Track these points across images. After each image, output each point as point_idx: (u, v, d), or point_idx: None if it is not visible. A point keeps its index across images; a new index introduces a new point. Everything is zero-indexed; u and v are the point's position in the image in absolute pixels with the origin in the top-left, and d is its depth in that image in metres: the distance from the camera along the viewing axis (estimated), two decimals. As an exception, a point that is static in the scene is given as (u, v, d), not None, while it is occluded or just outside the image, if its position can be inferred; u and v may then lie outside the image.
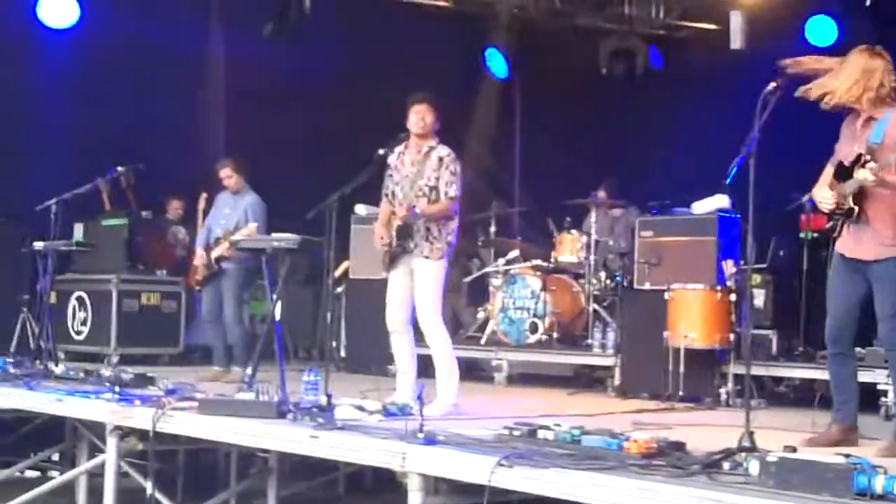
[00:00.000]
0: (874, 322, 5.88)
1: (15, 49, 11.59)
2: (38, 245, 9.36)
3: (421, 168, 7.20)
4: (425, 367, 7.38)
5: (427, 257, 7.14)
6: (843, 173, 5.82)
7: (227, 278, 9.79)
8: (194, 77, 12.15)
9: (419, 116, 7.20)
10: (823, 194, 5.91)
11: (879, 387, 7.57)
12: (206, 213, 10.41)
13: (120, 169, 10.63)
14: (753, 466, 4.48)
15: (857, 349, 7.71)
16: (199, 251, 10.00)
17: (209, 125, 12.20)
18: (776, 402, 8.32)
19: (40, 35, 11.86)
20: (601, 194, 10.97)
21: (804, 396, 8.23)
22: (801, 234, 9.43)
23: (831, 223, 5.96)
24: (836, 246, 5.98)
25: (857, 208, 5.77)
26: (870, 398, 7.21)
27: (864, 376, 7.24)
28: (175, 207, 12.27)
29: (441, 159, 7.19)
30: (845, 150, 5.87)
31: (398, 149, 7.34)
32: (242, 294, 9.98)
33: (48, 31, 11.87)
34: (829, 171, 5.97)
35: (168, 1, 11.64)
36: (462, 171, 7.25)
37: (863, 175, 5.64)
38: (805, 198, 6.00)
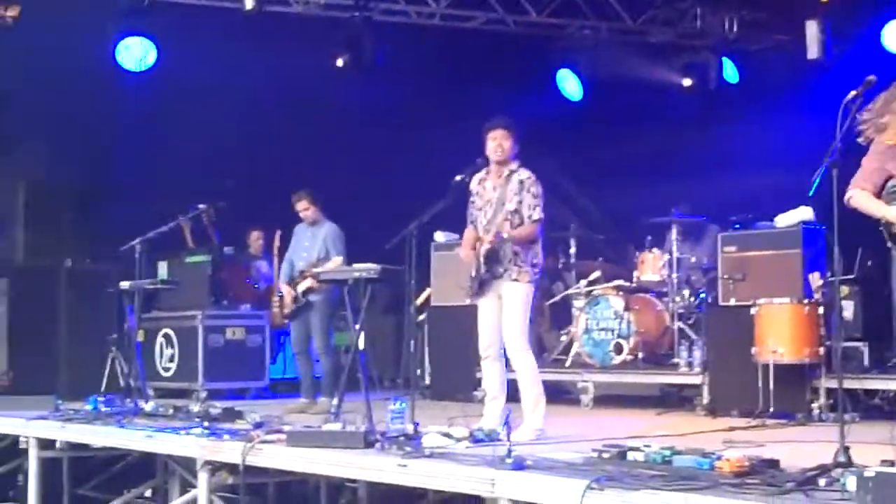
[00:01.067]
0: None
1: (95, 92, 11.83)
2: (124, 285, 9.50)
3: (503, 192, 7.19)
4: (512, 392, 7.34)
5: (516, 280, 7.11)
6: None
7: (313, 311, 9.86)
8: (268, 113, 12.28)
9: (496, 143, 7.20)
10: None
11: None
12: (282, 248, 10.50)
13: (201, 206, 10.80)
14: (851, 482, 4.39)
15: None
16: (284, 286, 10.09)
17: (285, 159, 12.31)
18: (871, 416, 8.14)
19: (119, 78, 12.09)
20: (683, 210, 10.87)
21: (900, 409, 8.06)
22: (889, 244, 9.23)
23: None
24: None
25: None
26: None
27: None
28: (255, 240, 12.39)
29: (522, 182, 7.17)
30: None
31: (479, 175, 7.33)
32: (329, 325, 10.04)
33: (127, 73, 12.08)
34: (867, 195, 5.84)
35: (240, 40, 11.78)
36: (543, 192, 7.21)
37: None
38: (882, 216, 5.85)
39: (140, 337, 9.97)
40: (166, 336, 11.58)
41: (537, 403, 7.09)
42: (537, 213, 7.15)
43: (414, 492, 6.26)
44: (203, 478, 6.99)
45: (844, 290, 9.21)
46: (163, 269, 11.69)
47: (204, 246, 11.90)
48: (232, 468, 6.79)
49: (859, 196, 5.89)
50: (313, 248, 9.90)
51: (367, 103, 12.66)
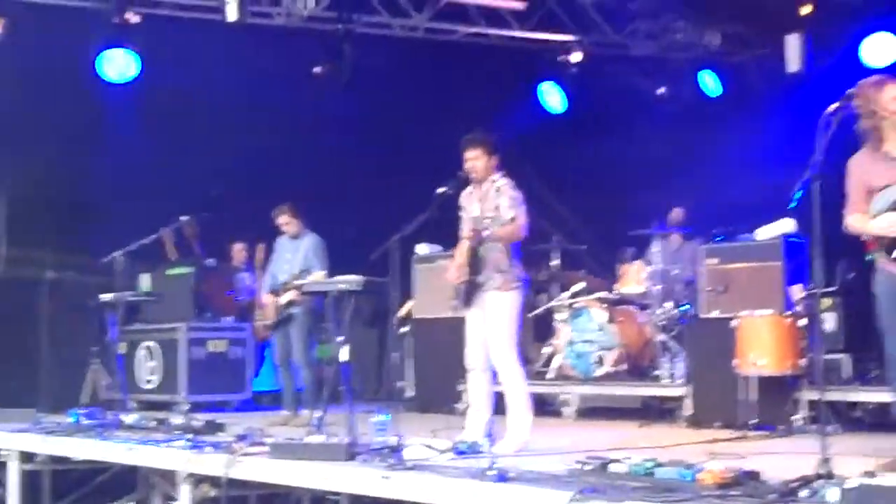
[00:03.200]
0: None
1: (77, 105, 11.80)
2: (106, 297, 9.48)
3: (485, 202, 7.20)
4: (495, 405, 7.33)
5: (498, 289, 7.09)
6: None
7: (294, 323, 9.85)
8: (252, 125, 12.27)
9: (470, 164, 7.19)
10: (889, 220, 5.79)
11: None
12: (264, 261, 10.50)
13: (183, 218, 10.79)
14: (832, 494, 4.41)
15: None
16: (267, 297, 10.07)
17: (268, 171, 12.30)
18: (852, 428, 8.18)
19: (101, 90, 12.06)
20: (675, 214, 10.91)
21: (880, 421, 8.07)
22: (869, 256, 9.28)
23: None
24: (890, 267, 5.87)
25: None
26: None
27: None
28: (238, 252, 12.37)
29: (499, 189, 7.17)
30: (878, 176, 5.81)
31: (468, 189, 7.33)
32: (310, 337, 10.02)
33: (109, 85, 12.06)
34: (861, 218, 5.89)
35: (223, 53, 11.77)
36: (525, 199, 7.20)
37: None
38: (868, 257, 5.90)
39: (122, 349, 9.96)
40: (148, 348, 11.54)
41: (524, 416, 7.08)
42: (513, 213, 7.10)
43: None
44: (185, 490, 6.98)
45: (826, 302, 9.25)
46: (145, 281, 11.66)
47: (186, 258, 11.88)
48: (214, 481, 6.78)
49: (854, 220, 5.96)
50: (295, 261, 9.89)
51: (351, 116, 12.67)
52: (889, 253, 5.83)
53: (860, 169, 5.92)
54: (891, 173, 5.81)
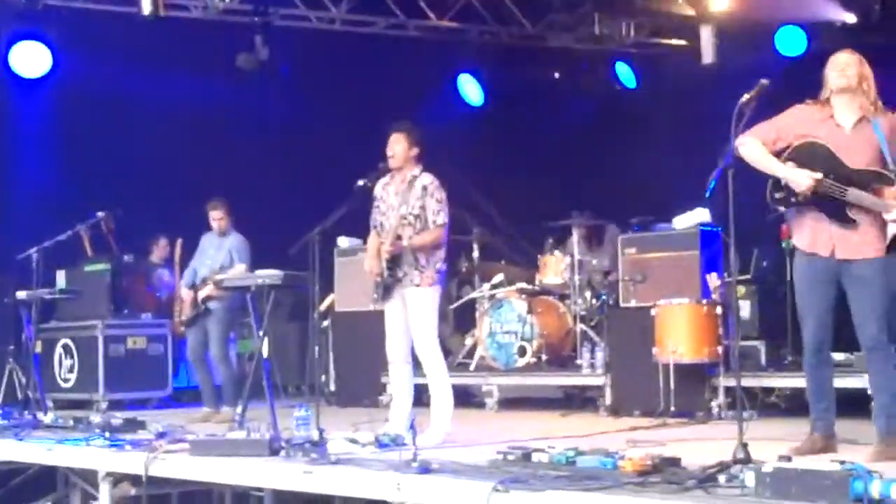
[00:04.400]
0: (850, 326, 5.90)
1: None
2: (21, 294, 9.32)
3: (405, 197, 7.18)
4: (417, 397, 7.35)
5: (418, 285, 7.11)
6: (824, 159, 5.84)
7: (212, 318, 9.77)
8: (167, 121, 12.12)
9: (390, 150, 7.19)
10: (798, 176, 5.83)
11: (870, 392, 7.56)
12: (183, 257, 10.40)
13: (100, 214, 10.63)
14: (749, 478, 4.49)
15: (846, 355, 7.78)
16: (185, 291, 9.98)
17: (186, 166, 12.18)
18: (768, 413, 8.31)
19: (13, 84, 11.85)
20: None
21: (795, 406, 8.22)
22: (783, 244, 9.45)
23: (796, 199, 5.88)
24: (805, 245, 5.96)
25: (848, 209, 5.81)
26: (860, 404, 7.21)
27: (855, 382, 7.28)
28: (163, 248, 12.22)
29: (425, 188, 7.17)
30: (809, 130, 5.90)
31: (384, 180, 7.33)
32: (228, 333, 9.95)
33: (21, 80, 11.85)
34: (758, 144, 5.90)
35: (137, 48, 11.63)
36: (447, 197, 7.23)
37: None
38: (784, 244, 5.93)
39: (38, 348, 9.79)
40: (65, 346, 11.37)
41: (445, 407, 7.11)
42: (441, 218, 7.16)
43: (320, 498, 6.25)
44: (105, 489, 6.89)
45: (741, 290, 9.39)
46: (61, 278, 11.48)
47: (103, 254, 11.72)
48: (134, 479, 6.70)
49: (754, 146, 5.92)
50: (217, 257, 9.81)
51: (269, 110, 12.60)
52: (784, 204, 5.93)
53: (802, 118, 5.98)
54: (830, 136, 5.89)
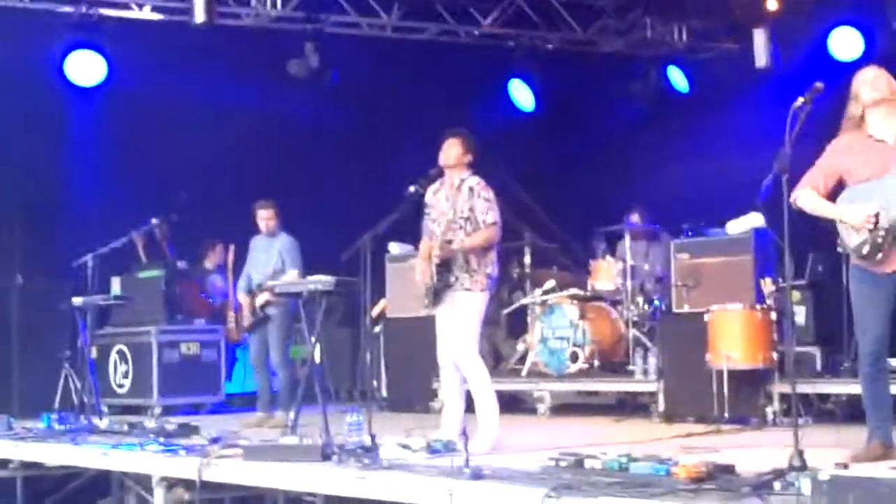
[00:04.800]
0: None
1: (45, 108, 11.74)
2: (77, 301, 9.42)
3: (454, 201, 7.19)
4: (469, 403, 7.33)
5: (468, 290, 7.09)
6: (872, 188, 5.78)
7: (271, 324, 9.83)
8: (222, 127, 12.22)
9: (444, 154, 7.21)
10: (865, 211, 5.77)
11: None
12: (236, 262, 10.47)
13: (154, 221, 10.74)
14: (805, 485, 4.43)
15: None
16: (243, 297, 10.05)
17: (239, 172, 12.27)
18: (823, 420, 8.23)
19: (69, 93, 11.99)
20: (635, 218, 10.93)
21: (851, 413, 8.12)
22: (840, 248, 9.35)
23: (863, 239, 5.84)
24: (864, 263, 5.90)
25: None
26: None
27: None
28: (216, 254, 12.30)
29: (472, 189, 7.16)
30: (859, 165, 5.83)
31: (434, 186, 7.32)
32: (287, 338, 9.99)
33: (76, 89, 11.98)
34: (814, 194, 5.88)
35: (189, 56, 11.72)
36: (496, 199, 7.22)
37: None
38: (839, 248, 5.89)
39: (93, 353, 9.88)
40: (120, 352, 11.48)
41: (491, 412, 7.08)
42: (491, 217, 7.12)
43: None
44: (159, 494, 6.94)
45: (796, 295, 9.30)
46: (116, 284, 11.59)
47: (157, 261, 11.83)
48: (188, 484, 6.75)
49: (807, 195, 5.92)
50: (269, 261, 9.87)
51: (321, 116, 12.65)
52: (858, 250, 5.85)
53: (841, 149, 5.93)
54: (875, 155, 5.82)
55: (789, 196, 5.50)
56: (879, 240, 5.76)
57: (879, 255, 5.77)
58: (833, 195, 5.93)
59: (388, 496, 5.81)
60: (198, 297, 12.01)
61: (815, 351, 9.13)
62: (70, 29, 11.81)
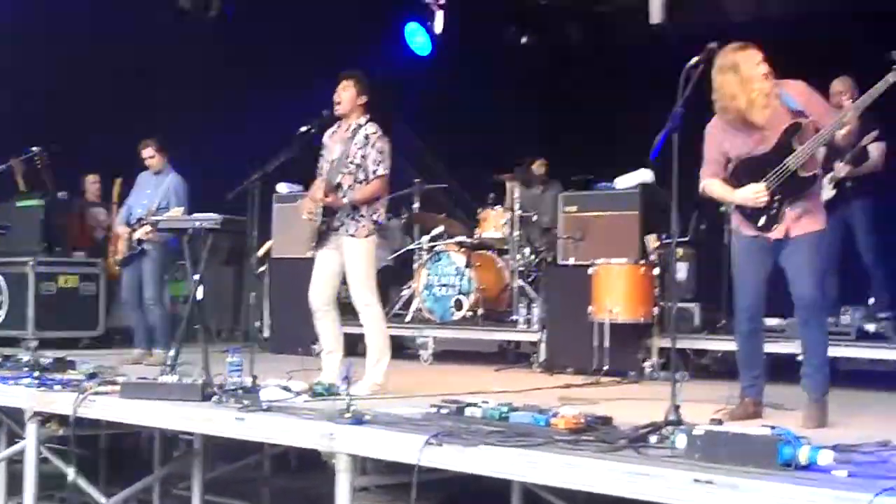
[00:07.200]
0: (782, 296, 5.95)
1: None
2: (-50, 228, 9.14)
3: (347, 145, 7.11)
4: (352, 346, 7.32)
5: (353, 235, 7.06)
6: (756, 164, 5.86)
7: (147, 260, 9.64)
8: (110, 56, 11.88)
9: (338, 96, 7.12)
10: (755, 190, 5.86)
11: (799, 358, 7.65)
12: (121, 196, 10.24)
13: (34, 149, 10.43)
14: (680, 440, 4.51)
15: (778, 320, 7.87)
16: (121, 229, 9.84)
17: (128, 104, 11.96)
18: (699, 375, 8.39)
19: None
20: (537, 166, 10.96)
21: (726, 369, 8.30)
22: (722, 208, 9.50)
23: (765, 217, 5.92)
24: (745, 230, 6.00)
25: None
26: (791, 369, 7.30)
27: (786, 348, 7.36)
28: (92, 184, 12.02)
29: (367, 137, 7.10)
30: (737, 146, 5.91)
31: (332, 128, 7.25)
32: (163, 275, 9.83)
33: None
34: (716, 181, 5.99)
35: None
36: (389, 148, 7.17)
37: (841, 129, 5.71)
38: (722, 208, 6.02)
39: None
40: (-5, 282, 11.19)
41: (381, 358, 7.08)
42: (382, 169, 7.09)
43: (250, 445, 6.22)
44: (32, 429, 6.80)
45: (678, 252, 9.44)
46: (-8, 212, 11.28)
47: (37, 190, 11.51)
48: (62, 419, 6.62)
49: (711, 185, 6.04)
50: (154, 197, 9.67)
51: (215, 52, 12.37)
52: (755, 222, 5.95)
53: (720, 135, 6.02)
54: (749, 142, 5.90)
55: (679, 154, 5.54)
56: (773, 211, 5.87)
57: (776, 226, 5.88)
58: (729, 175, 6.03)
59: (268, 438, 5.78)
60: (79, 229, 11.73)
61: (695, 308, 9.28)
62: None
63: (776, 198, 5.87)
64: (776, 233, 5.90)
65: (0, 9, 11.57)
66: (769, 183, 5.84)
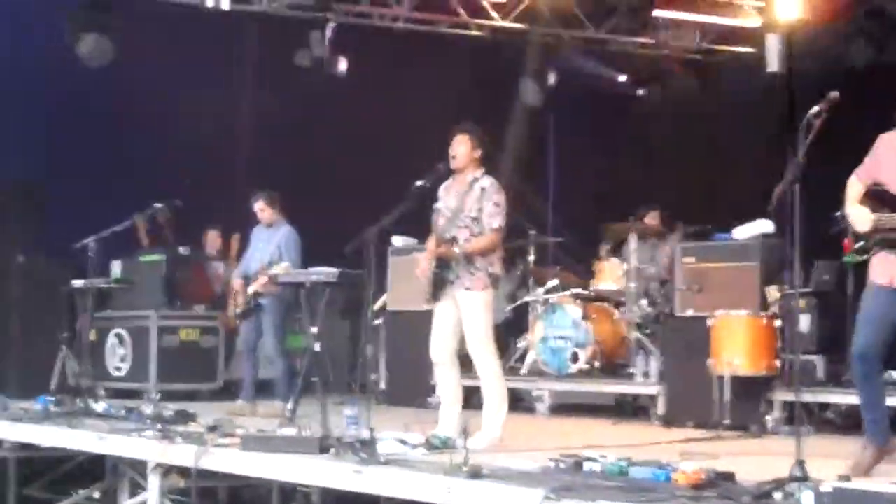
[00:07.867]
0: None
1: (49, 87, 11.65)
2: (77, 283, 9.37)
3: (464, 200, 7.12)
4: (468, 398, 7.29)
5: (469, 289, 7.05)
6: (889, 198, 5.73)
7: (265, 312, 9.77)
8: (227, 113, 12.15)
9: (453, 151, 7.14)
10: (861, 214, 5.78)
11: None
12: (240, 251, 10.42)
13: (157, 205, 10.68)
14: (807, 497, 4.39)
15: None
16: (237, 282, 9.99)
17: (244, 160, 12.21)
18: (824, 429, 8.19)
19: (75, 73, 11.90)
20: (651, 217, 10.87)
21: (851, 423, 8.07)
22: (846, 258, 9.28)
23: (861, 244, 5.82)
24: (885, 282, 5.85)
25: None
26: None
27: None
28: (213, 241, 12.26)
29: (484, 190, 7.10)
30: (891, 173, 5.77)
31: (447, 182, 7.27)
32: (282, 327, 9.94)
33: (83, 69, 11.90)
34: (858, 187, 5.88)
35: (201, 37, 11.65)
36: (506, 201, 7.16)
37: None
38: (837, 213, 5.94)
39: (92, 336, 9.85)
40: (118, 336, 11.44)
41: (499, 411, 7.04)
42: (497, 222, 7.07)
43: (364, 497, 6.22)
44: (154, 480, 6.91)
45: (801, 303, 9.25)
46: (117, 267, 11.55)
47: (159, 245, 11.78)
48: (183, 471, 6.71)
49: (852, 185, 5.94)
50: (267, 250, 9.81)
51: (331, 106, 12.56)
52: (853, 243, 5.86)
53: (889, 152, 5.87)
54: None
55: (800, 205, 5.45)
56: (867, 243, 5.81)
57: (865, 257, 5.82)
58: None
59: (385, 491, 5.77)
60: (199, 283, 11.95)
61: (818, 360, 9.07)
62: (79, 9, 11.73)
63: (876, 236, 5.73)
64: (875, 277, 5.75)
65: (115, 68, 11.86)
66: (878, 220, 5.71)
